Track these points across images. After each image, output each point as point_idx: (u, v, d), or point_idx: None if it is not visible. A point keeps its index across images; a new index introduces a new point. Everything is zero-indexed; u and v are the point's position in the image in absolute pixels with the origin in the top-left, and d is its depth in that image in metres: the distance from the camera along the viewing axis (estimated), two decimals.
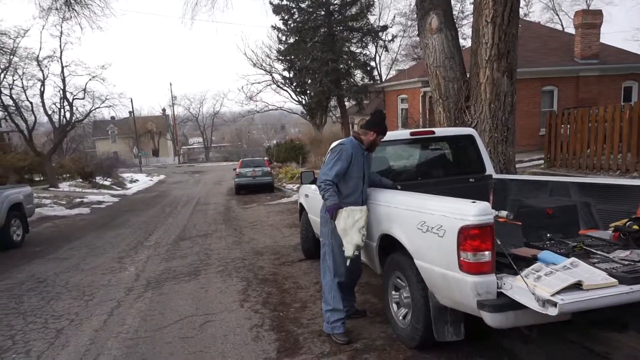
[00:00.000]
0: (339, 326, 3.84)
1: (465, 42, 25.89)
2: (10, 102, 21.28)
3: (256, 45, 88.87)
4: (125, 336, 4.28)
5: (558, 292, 2.39)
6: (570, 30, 25.56)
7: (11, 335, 4.49)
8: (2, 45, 19.91)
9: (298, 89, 31.57)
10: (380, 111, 4.16)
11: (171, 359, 3.75)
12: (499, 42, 6.42)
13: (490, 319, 2.67)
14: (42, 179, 22.56)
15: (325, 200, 3.81)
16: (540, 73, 16.94)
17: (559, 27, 35.26)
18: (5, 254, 8.56)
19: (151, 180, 29.66)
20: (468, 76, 7.17)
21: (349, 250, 3.69)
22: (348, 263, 3.77)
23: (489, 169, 5.15)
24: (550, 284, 2.45)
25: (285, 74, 31.79)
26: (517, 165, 7.90)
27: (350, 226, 3.69)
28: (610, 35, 59.32)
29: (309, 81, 29.41)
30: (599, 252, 2.92)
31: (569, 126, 10.53)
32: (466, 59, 7.30)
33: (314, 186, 6.17)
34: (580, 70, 17.38)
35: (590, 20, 17.40)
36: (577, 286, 2.45)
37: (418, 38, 10.44)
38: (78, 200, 17.03)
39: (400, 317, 3.70)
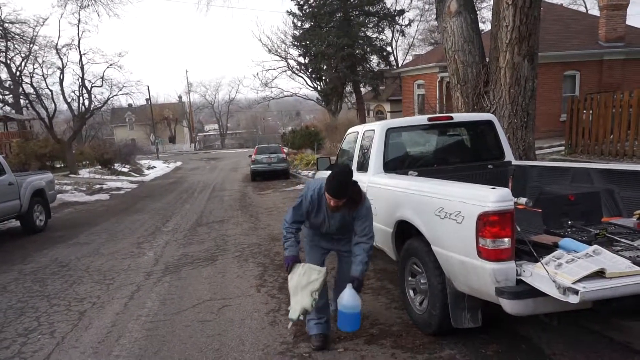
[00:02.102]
0: (311, 327, 3.62)
1: (485, 26, 25.33)
2: (31, 90, 21.69)
3: (271, 31, 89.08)
4: (145, 319, 4.37)
5: (580, 280, 2.35)
6: (595, 12, 24.79)
7: (36, 316, 4.62)
8: (22, 34, 20.25)
9: (313, 75, 31.38)
10: (339, 174, 3.37)
11: (190, 341, 3.82)
12: (520, 24, 6.26)
13: (509, 306, 2.64)
14: (62, 165, 23.01)
15: (284, 250, 3.55)
16: (562, 57, 16.48)
17: (582, 9, 34.17)
18: (28, 238, 8.79)
19: (168, 167, 30.02)
20: (487, 60, 7.02)
21: (294, 312, 3.27)
22: (289, 326, 3.40)
23: (508, 155, 5.06)
24: (571, 271, 2.41)
25: (301, 59, 31.65)
26: (536, 152, 7.76)
27: (303, 286, 3.31)
28: (637, 17, 57.10)
29: (325, 67, 29.19)
30: (622, 240, 2.86)
31: (591, 112, 10.26)
32: (485, 43, 7.15)
33: (329, 172, 6.17)
34: (604, 53, 16.85)
35: (616, 1, 16.79)
36: (599, 274, 2.40)
37: (436, 22, 10.24)
38: (97, 186, 17.37)
39: (417, 304, 3.69)
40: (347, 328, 3.31)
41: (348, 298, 3.20)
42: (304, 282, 3.32)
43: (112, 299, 5.00)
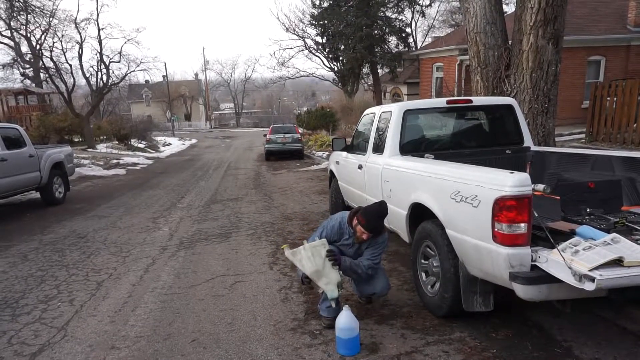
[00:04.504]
0: (323, 310, 3.60)
1: (508, 8, 24.65)
2: (51, 64, 21.91)
3: (290, 9, 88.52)
4: (160, 291, 4.47)
5: (596, 268, 2.32)
6: None
7: (56, 285, 4.77)
8: (42, 7, 20.37)
9: (330, 55, 31.07)
10: (378, 208, 3.50)
11: (203, 315, 3.91)
12: (546, 6, 6.07)
13: (522, 291, 2.64)
14: (80, 140, 23.35)
15: None
16: (588, 41, 15.97)
17: None
18: (48, 209, 9.01)
19: (183, 144, 30.24)
20: (510, 43, 6.85)
21: (332, 292, 3.31)
22: (334, 305, 3.35)
23: (527, 141, 4.98)
24: (588, 258, 2.39)
25: (318, 39, 31.33)
26: (556, 139, 7.61)
27: (321, 265, 3.36)
28: None
29: (342, 47, 28.84)
30: None
31: (615, 99, 9.99)
32: (508, 26, 6.96)
33: (344, 153, 6.16)
34: (632, 39, 16.27)
35: None
36: (617, 262, 2.37)
37: (457, 3, 9.99)
38: (114, 161, 17.61)
39: (429, 286, 3.70)
40: (347, 352, 3.15)
41: (345, 320, 3.13)
42: (319, 261, 3.39)
43: (128, 271, 5.12)
